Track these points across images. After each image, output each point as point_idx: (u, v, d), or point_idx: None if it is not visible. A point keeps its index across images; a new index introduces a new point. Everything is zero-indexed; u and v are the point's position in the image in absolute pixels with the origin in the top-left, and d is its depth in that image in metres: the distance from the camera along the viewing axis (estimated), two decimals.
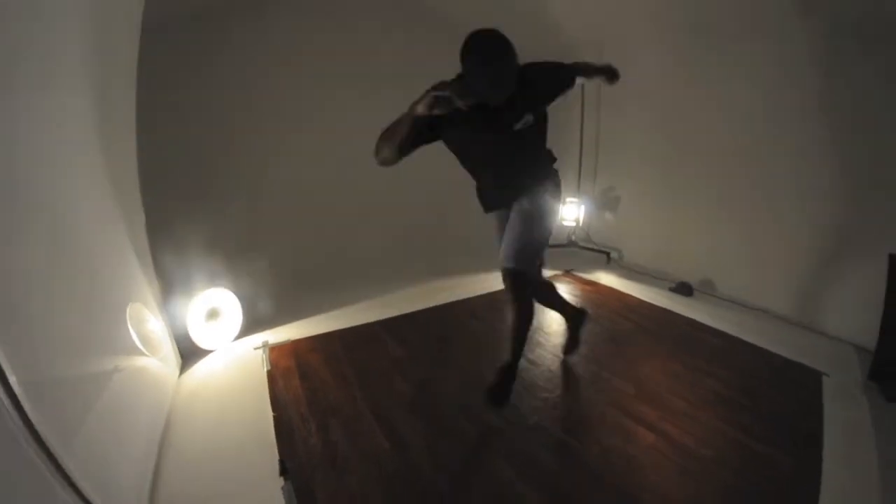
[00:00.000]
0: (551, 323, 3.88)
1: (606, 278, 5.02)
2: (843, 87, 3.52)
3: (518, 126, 2.41)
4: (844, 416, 2.68)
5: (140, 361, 2.68)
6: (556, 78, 2.54)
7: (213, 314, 3.58)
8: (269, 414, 2.80)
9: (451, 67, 2.30)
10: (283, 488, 2.22)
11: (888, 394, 2.80)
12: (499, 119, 2.39)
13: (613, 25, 4.91)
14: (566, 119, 5.87)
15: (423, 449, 2.51)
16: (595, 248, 5.71)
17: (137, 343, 2.66)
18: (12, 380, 1.24)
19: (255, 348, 3.57)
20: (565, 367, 3.28)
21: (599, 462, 2.37)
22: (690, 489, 2.16)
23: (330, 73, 4.85)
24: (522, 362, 3.11)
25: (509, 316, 2.75)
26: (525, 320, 2.76)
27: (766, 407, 2.77)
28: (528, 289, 2.70)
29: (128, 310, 2.70)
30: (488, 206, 2.82)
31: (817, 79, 3.68)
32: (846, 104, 3.52)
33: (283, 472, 2.32)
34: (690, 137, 4.73)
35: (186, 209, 4.09)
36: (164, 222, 3.65)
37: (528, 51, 2.37)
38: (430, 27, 5.25)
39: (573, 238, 5.81)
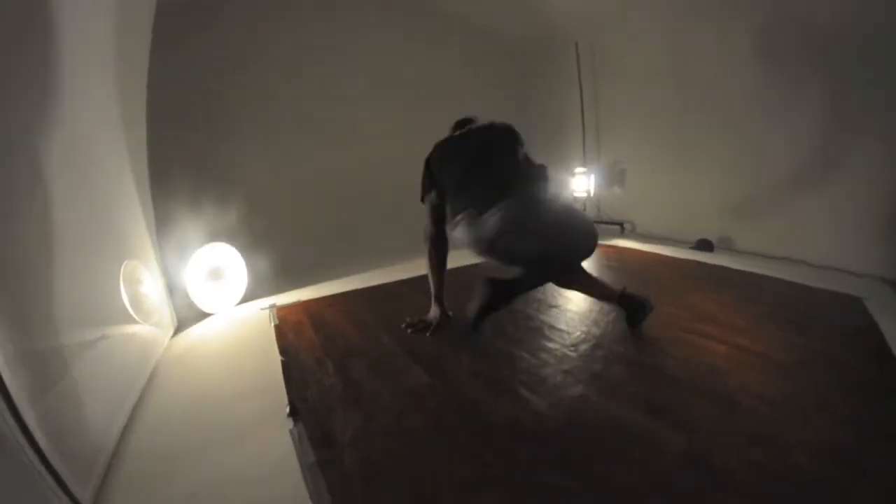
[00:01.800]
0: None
1: (625, 243, 4.40)
2: (845, 38, 3.08)
3: None
4: None
5: (129, 329, 2.12)
6: None
7: (215, 274, 2.83)
8: (277, 361, 2.15)
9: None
10: (291, 431, 1.61)
11: None
12: None
13: None
14: (566, 97, 5.39)
15: (475, 378, 1.90)
16: (607, 220, 4.97)
17: (129, 309, 2.11)
18: None
19: (262, 309, 2.83)
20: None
21: (679, 371, 1.83)
22: (786, 388, 1.68)
23: (352, 51, 4.47)
24: (558, 299, 2.75)
25: None
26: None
27: (823, 323, 2.28)
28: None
29: (122, 268, 2.16)
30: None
31: (816, 33, 3.24)
32: (846, 54, 3.09)
33: (293, 413, 1.71)
34: (688, 102, 4.25)
35: (196, 161, 3.53)
36: (169, 171, 3.11)
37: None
38: (427, 14, 4.99)
39: (583, 211, 5.06)
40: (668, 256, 3.85)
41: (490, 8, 4.93)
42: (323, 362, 2.11)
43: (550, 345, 2.14)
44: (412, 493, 1.27)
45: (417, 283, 3.29)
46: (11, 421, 1.08)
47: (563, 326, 2.34)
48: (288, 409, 1.72)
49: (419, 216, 4.62)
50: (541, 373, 1.88)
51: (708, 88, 4.05)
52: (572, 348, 2.09)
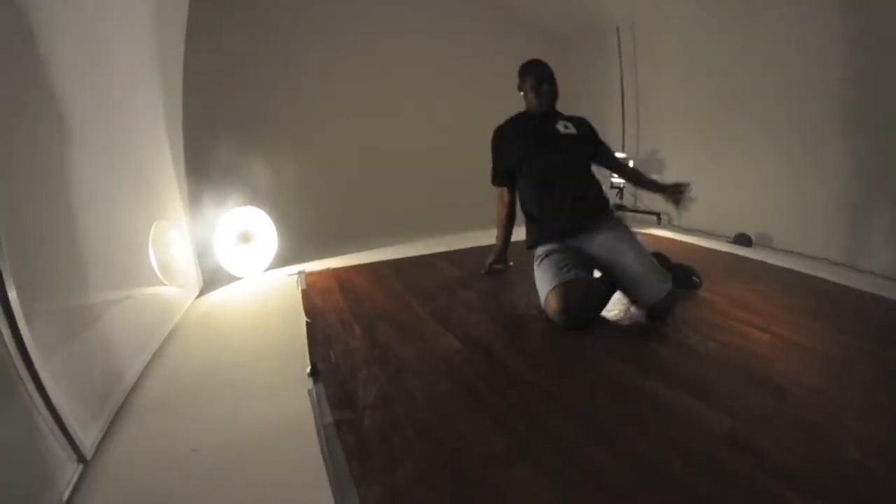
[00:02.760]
0: None
1: (662, 233, 4.14)
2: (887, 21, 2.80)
3: (564, 134, 2.34)
4: None
5: (154, 290, 2.07)
6: (587, 129, 2.45)
7: (245, 237, 2.73)
8: (302, 324, 2.04)
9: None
10: (309, 391, 1.51)
11: None
12: (549, 134, 2.32)
13: None
14: (604, 85, 5.17)
15: (510, 349, 1.77)
16: (643, 209, 4.73)
17: (156, 271, 2.05)
18: (11, 295, 1.03)
19: (290, 275, 2.76)
20: None
21: (722, 355, 1.69)
22: (832, 380, 1.54)
23: (389, 26, 4.33)
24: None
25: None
26: None
27: (865, 322, 2.08)
28: None
29: (152, 229, 2.10)
30: (559, 232, 2.22)
31: (860, 15, 2.96)
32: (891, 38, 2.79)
33: (314, 374, 1.60)
34: (731, 94, 3.98)
35: (231, 126, 3.44)
36: (204, 134, 3.06)
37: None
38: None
39: (621, 201, 4.91)
40: (705, 248, 3.66)
41: None
42: (350, 325, 2.00)
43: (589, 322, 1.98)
44: (437, 462, 1.15)
45: (451, 256, 3.18)
46: (24, 371, 1.07)
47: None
48: (309, 369, 1.62)
49: (453, 190, 4.51)
50: (581, 351, 1.75)
51: (753, 80, 3.80)
52: (609, 326, 1.96)
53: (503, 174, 2.43)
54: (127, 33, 2.05)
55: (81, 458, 1.18)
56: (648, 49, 4.75)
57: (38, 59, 1.32)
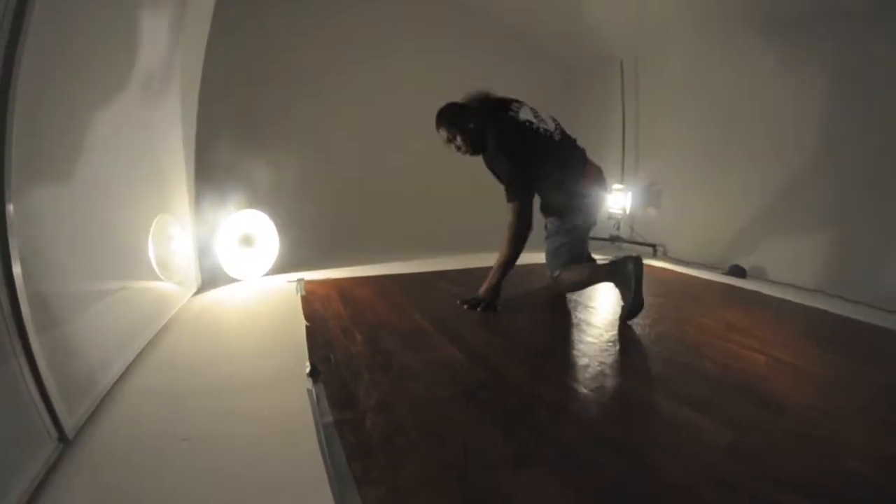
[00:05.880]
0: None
1: (658, 264, 4.17)
2: (881, 66, 2.99)
3: None
4: None
5: (151, 283, 2.01)
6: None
7: (247, 240, 2.70)
8: (300, 327, 2.01)
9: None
10: (309, 391, 1.46)
11: None
12: None
13: (651, 18, 4.32)
14: (606, 116, 5.27)
15: (511, 360, 1.77)
16: (640, 241, 4.76)
17: (154, 266, 2.01)
18: (16, 270, 1.04)
19: (289, 281, 2.74)
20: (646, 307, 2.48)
21: (721, 374, 1.73)
22: (831, 399, 1.57)
23: (401, 42, 4.44)
24: (594, 300, 2.67)
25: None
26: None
27: (860, 348, 2.17)
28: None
29: (154, 223, 2.05)
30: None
31: (855, 63, 3.15)
32: (884, 85, 2.97)
33: (313, 374, 1.56)
34: (729, 129, 4.10)
35: (244, 128, 3.51)
36: (217, 132, 3.08)
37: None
38: (473, 21, 4.91)
39: (617, 232, 4.95)
40: (701, 278, 3.69)
41: (541, 20, 4.85)
42: (350, 332, 1.98)
43: (589, 338, 2.02)
44: (441, 464, 1.12)
45: (451, 275, 3.19)
46: (18, 344, 1.05)
47: (600, 324, 2.22)
48: (308, 369, 1.58)
49: (455, 212, 4.51)
50: (580, 362, 1.76)
51: (750, 116, 3.92)
52: (610, 344, 1.97)
53: None
54: (161, 41, 2.07)
55: (63, 438, 1.14)
56: (650, 83, 4.85)
57: (70, 64, 1.33)
